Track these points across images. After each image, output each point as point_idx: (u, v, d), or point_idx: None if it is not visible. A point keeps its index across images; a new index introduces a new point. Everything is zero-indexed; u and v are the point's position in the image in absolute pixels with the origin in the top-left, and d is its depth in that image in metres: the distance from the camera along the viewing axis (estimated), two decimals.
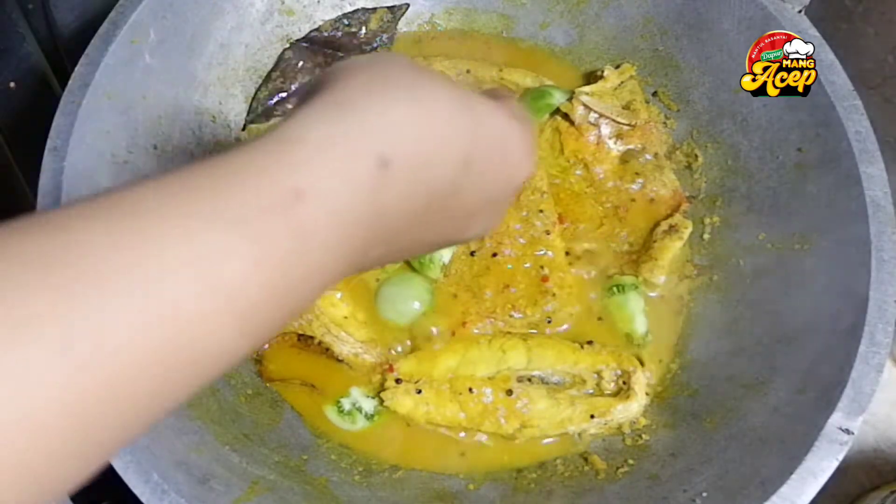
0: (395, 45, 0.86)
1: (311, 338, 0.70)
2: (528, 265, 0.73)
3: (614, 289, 0.73)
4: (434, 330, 0.71)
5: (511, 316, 0.71)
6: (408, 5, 0.87)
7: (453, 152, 0.35)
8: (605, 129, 0.78)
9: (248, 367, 0.70)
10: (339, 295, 0.71)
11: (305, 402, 0.70)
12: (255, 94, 0.82)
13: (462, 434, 0.68)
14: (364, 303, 0.72)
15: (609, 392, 0.69)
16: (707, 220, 0.76)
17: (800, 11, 0.72)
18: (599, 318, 0.73)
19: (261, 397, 0.69)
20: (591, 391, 0.69)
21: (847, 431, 0.54)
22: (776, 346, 0.64)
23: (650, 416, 0.68)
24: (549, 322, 0.71)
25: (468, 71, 0.82)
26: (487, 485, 0.66)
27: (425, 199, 0.34)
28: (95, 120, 0.64)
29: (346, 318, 0.70)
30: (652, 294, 0.74)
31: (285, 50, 0.84)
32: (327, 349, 0.70)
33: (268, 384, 0.70)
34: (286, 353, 0.71)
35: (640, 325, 0.72)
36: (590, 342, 0.70)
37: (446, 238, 0.41)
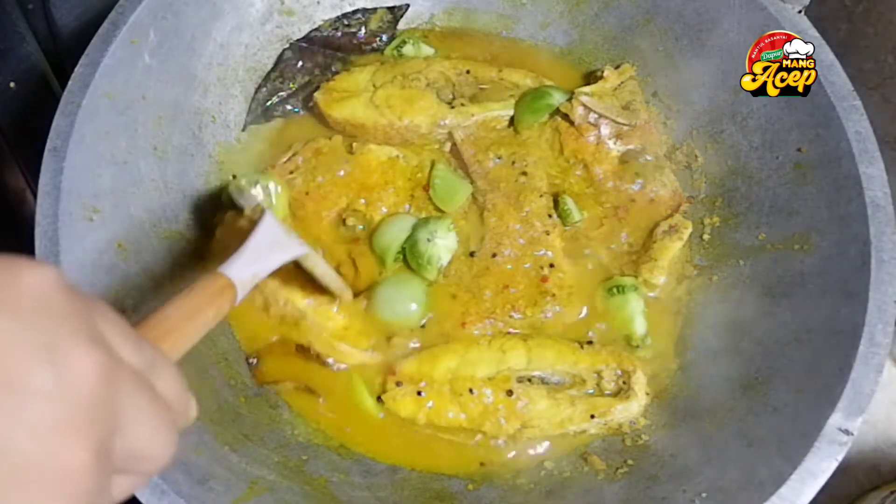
0: (395, 45, 0.86)
1: (309, 349, 0.70)
2: (527, 266, 0.72)
3: (614, 289, 0.73)
4: (434, 331, 0.71)
5: (511, 316, 0.71)
6: (408, 5, 0.87)
7: None
8: (605, 130, 0.78)
9: (248, 368, 0.70)
10: (335, 309, 0.70)
11: (305, 402, 0.70)
12: (255, 94, 0.82)
13: (462, 435, 0.68)
14: (360, 311, 0.72)
15: (609, 392, 0.68)
16: (707, 221, 0.76)
17: (800, 12, 0.72)
18: (599, 319, 0.72)
19: (260, 398, 0.69)
20: (591, 391, 0.69)
21: (846, 432, 0.54)
22: (775, 346, 0.64)
23: (650, 416, 0.68)
24: (549, 322, 0.71)
25: (468, 71, 0.82)
26: (487, 485, 0.66)
27: None
28: (95, 120, 0.64)
29: (345, 328, 0.70)
30: (652, 294, 0.74)
31: (285, 50, 0.84)
32: (322, 361, 0.69)
33: (261, 386, 0.69)
34: (283, 358, 0.70)
35: (639, 327, 0.72)
36: (590, 342, 0.70)
37: None
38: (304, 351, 0.70)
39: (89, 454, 0.26)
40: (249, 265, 0.54)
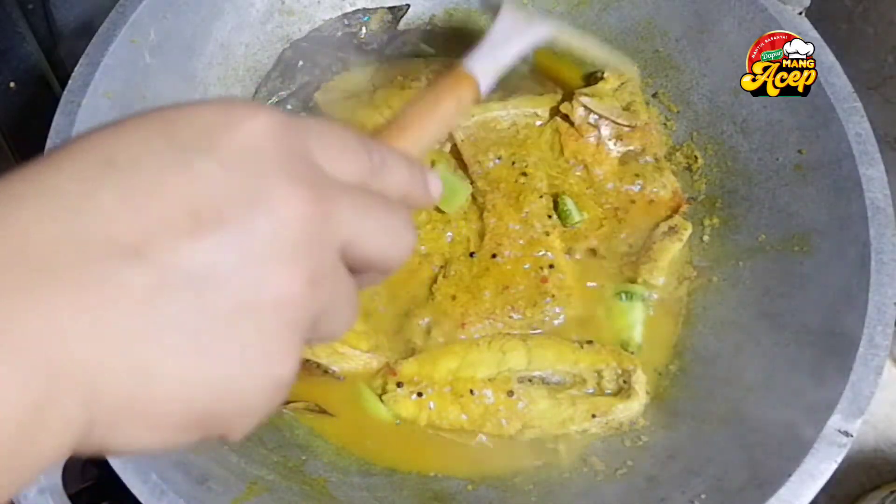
0: (396, 45, 0.86)
1: (308, 361, 0.69)
2: (527, 266, 0.72)
3: (623, 295, 0.72)
4: (434, 332, 0.70)
5: (510, 317, 0.71)
6: (408, 6, 0.87)
7: None
8: (605, 131, 0.78)
9: None
10: None
11: (316, 418, 0.69)
12: (255, 94, 0.82)
13: (463, 436, 0.68)
14: (359, 313, 0.71)
15: (610, 391, 0.68)
16: (707, 222, 0.76)
17: (800, 13, 0.72)
18: (598, 321, 0.72)
19: None
20: (591, 391, 0.69)
21: (846, 434, 0.54)
22: (775, 348, 0.64)
23: (649, 417, 0.68)
24: (548, 323, 0.71)
25: None
26: (486, 486, 0.66)
27: None
28: (95, 120, 0.64)
29: None
30: (651, 296, 0.74)
31: (285, 50, 0.84)
32: (326, 371, 0.69)
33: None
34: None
35: (636, 336, 0.72)
36: (590, 342, 0.70)
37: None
38: (303, 363, 0.69)
39: (299, 282, 0.27)
40: (490, 55, 0.53)
